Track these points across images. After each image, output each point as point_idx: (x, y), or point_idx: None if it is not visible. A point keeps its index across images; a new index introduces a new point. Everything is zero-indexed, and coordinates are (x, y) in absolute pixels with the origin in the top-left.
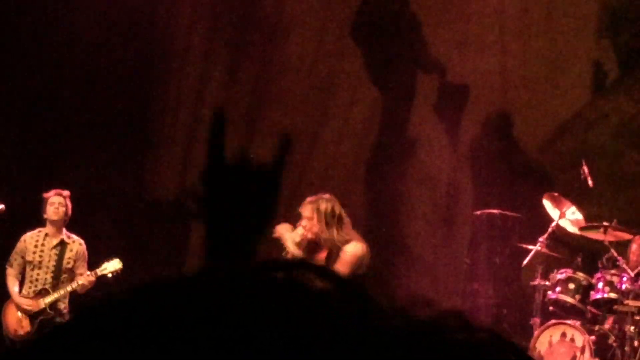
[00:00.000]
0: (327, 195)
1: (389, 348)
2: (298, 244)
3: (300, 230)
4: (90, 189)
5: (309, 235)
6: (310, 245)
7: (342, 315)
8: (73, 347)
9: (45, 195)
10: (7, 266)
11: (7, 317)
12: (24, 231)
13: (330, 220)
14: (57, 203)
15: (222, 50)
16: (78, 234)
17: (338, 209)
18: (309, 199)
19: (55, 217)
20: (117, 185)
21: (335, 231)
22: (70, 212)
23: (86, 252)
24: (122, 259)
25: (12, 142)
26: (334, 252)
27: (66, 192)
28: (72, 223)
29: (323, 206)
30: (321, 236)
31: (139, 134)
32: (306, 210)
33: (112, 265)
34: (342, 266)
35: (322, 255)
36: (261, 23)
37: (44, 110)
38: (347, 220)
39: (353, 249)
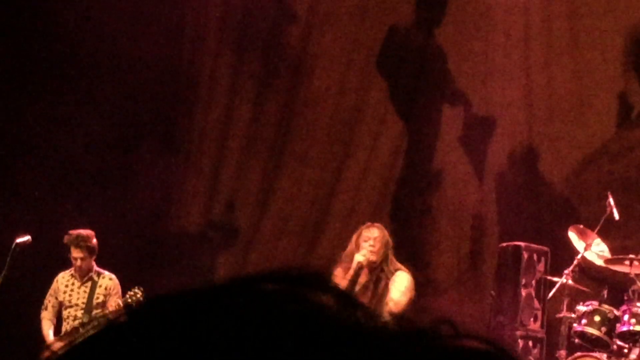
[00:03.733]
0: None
1: (381, 355)
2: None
3: (364, 253)
4: (115, 220)
5: (372, 258)
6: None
7: (336, 324)
8: None
9: (66, 239)
10: (42, 310)
11: None
12: (49, 263)
13: (388, 249)
14: (79, 259)
15: (248, 82)
16: (102, 265)
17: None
18: (372, 225)
19: (77, 272)
20: (142, 216)
21: (388, 260)
22: (96, 248)
23: (118, 287)
24: (147, 290)
25: (36, 172)
26: (379, 280)
27: (87, 235)
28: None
29: (386, 234)
30: (376, 262)
31: (164, 166)
32: (374, 233)
33: (133, 294)
34: (405, 293)
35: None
36: (286, 55)
37: (69, 139)
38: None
39: (407, 275)
